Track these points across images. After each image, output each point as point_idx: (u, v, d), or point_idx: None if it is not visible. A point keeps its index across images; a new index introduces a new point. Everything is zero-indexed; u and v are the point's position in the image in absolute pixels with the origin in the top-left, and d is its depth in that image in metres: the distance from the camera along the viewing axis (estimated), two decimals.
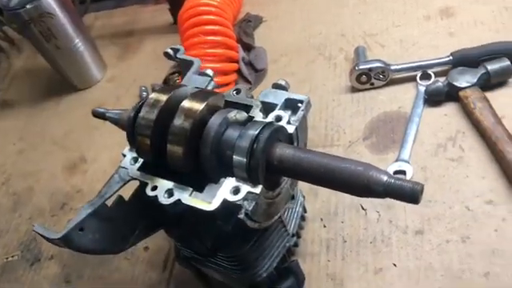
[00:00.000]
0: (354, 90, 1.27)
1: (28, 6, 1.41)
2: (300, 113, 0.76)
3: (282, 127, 0.72)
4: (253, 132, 0.68)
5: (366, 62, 1.25)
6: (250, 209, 0.67)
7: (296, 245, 0.99)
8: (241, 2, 1.63)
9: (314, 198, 1.08)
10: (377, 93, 1.25)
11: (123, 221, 0.83)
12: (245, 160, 0.68)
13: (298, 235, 0.98)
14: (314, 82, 1.34)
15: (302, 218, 1.02)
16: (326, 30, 1.48)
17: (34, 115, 1.66)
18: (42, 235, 0.76)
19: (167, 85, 1.49)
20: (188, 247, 0.90)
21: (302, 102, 0.78)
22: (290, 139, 0.74)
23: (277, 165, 0.68)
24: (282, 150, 0.68)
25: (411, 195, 0.61)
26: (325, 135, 1.20)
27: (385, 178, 0.62)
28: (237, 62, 1.43)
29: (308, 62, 1.41)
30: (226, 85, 1.37)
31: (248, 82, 1.41)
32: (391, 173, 1.00)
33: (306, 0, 1.62)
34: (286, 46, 1.49)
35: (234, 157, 0.69)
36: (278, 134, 0.71)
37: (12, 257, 1.25)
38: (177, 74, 1.47)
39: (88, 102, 1.61)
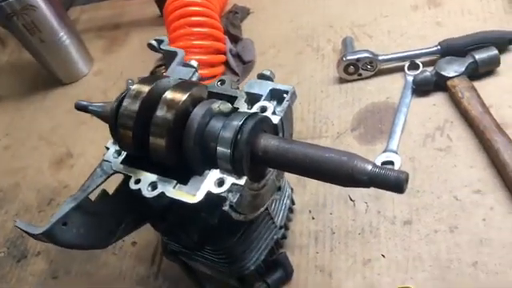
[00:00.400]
0: (342, 80, 1.26)
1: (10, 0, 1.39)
2: (285, 103, 0.75)
3: (267, 117, 0.71)
4: (237, 123, 0.67)
5: (353, 52, 1.24)
6: (235, 201, 0.67)
7: (284, 237, 0.98)
8: None
9: (303, 190, 1.07)
10: (365, 83, 1.24)
11: (108, 215, 0.82)
12: (229, 151, 0.67)
13: (286, 227, 0.98)
14: (302, 73, 1.33)
15: (290, 210, 1.01)
16: (314, 21, 1.47)
17: (19, 110, 1.64)
18: (24, 231, 0.74)
19: None
20: (175, 241, 0.89)
21: (287, 92, 0.76)
22: (274, 130, 0.73)
23: (261, 156, 0.67)
24: (267, 141, 0.68)
25: (396, 184, 0.60)
26: (313, 127, 1.19)
27: (369, 167, 0.61)
28: (224, 53, 1.41)
29: (296, 53, 1.40)
30: (214, 77, 1.35)
31: (235, 73, 1.40)
32: (379, 163, 1.00)
33: None
34: (274, 38, 1.48)
35: (218, 148, 0.68)
36: (262, 124, 0.70)
37: None
38: (164, 67, 1.45)
39: (74, 96, 1.58)
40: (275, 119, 0.73)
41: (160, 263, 1.07)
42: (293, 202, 1.02)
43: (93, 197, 0.79)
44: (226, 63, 1.41)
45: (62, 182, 1.34)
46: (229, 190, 0.67)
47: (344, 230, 1.00)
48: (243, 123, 0.67)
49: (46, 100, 1.63)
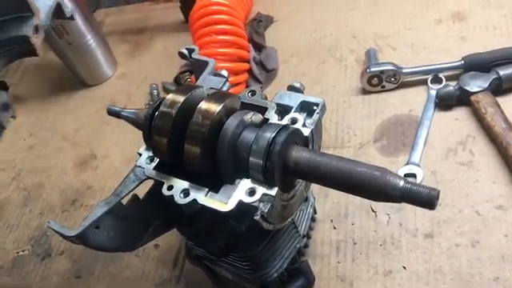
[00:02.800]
0: (364, 91, 1.28)
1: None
2: (315, 116, 0.77)
3: (298, 130, 0.73)
4: (269, 134, 0.69)
5: (377, 64, 1.25)
6: (266, 211, 0.68)
7: (306, 246, 1.00)
8: (252, 1, 1.64)
9: (324, 199, 1.09)
10: (387, 95, 1.25)
11: (137, 219, 0.84)
12: (261, 162, 0.68)
13: (308, 236, 0.99)
14: (325, 83, 1.35)
15: (312, 219, 1.02)
16: (337, 31, 1.49)
17: (44, 111, 1.67)
18: (57, 232, 0.77)
19: (178, 83, 1.50)
20: (200, 246, 0.91)
21: (317, 104, 0.78)
22: (305, 142, 0.75)
23: (293, 167, 0.69)
24: (298, 153, 0.69)
25: (428, 200, 0.61)
26: (335, 137, 1.20)
27: (401, 182, 0.62)
28: (248, 61, 1.43)
29: (319, 62, 1.42)
30: (237, 84, 1.37)
31: (259, 81, 1.42)
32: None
33: (316, 1, 1.62)
34: (297, 47, 1.50)
35: (251, 159, 0.69)
36: (294, 136, 0.71)
37: (23, 251, 1.26)
38: (188, 73, 1.48)
39: (98, 98, 1.61)
40: (306, 131, 0.74)
41: (182, 267, 1.09)
42: (315, 211, 1.04)
43: (123, 201, 0.81)
44: (250, 71, 1.43)
45: (85, 182, 1.37)
46: (260, 200, 0.68)
47: (366, 240, 1.01)
48: (276, 135, 0.69)
49: (70, 101, 1.66)
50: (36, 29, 0.83)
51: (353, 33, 1.45)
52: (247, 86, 1.42)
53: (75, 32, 1.52)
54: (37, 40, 0.82)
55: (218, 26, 1.40)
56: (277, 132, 0.69)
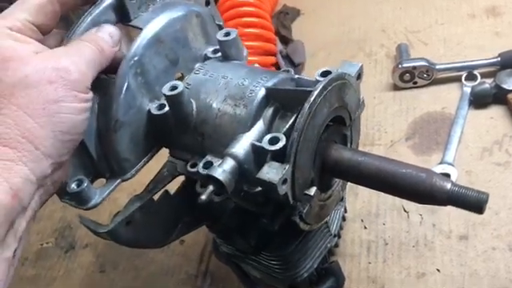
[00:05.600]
0: (396, 87, 1.24)
1: None
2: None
3: (338, 127, 0.71)
4: None
5: (409, 60, 1.22)
6: (305, 211, 0.66)
7: (337, 245, 0.97)
8: None
9: (355, 198, 1.06)
10: (419, 92, 1.22)
11: (168, 215, 0.82)
12: None
13: (338, 235, 0.97)
14: None
15: (343, 218, 1.00)
16: (366, 25, 1.45)
17: None
18: (88, 228, 0.76)
19: None
20: (230, 244, 0.89)
21: None
22: (344, 140, 0.72)
23: (333, 167, 0.67)
24: (339, 152, 0.67)
25: (476, 204, 0.59)
26: (365, 134, 1.17)
27: (448, 185, 0.60)
28: (274, 55, 1.41)
29: (347, 57, 1.39)
30: None
31: None
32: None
33: None
34: (324, 40, 1.47)
35: None
36: (333, 135, 0.69)
37: (47, 243, 1.26)
38: None
39: None
40: (345, 129, 0.72)
41: (208, 263, 1.08)
42: (345, 210, 1.01)
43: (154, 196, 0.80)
44: (276, 65, 1.41)
45: None
46: (298, 200, 0.66)
47: (397, 241, 0.98)
48: None
49: None
50: None
51: (382, 26, 1.42)
52: None
53: None
54: None
55: (245, 19, 1.37)
56: None
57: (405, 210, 1.02)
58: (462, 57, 1.23)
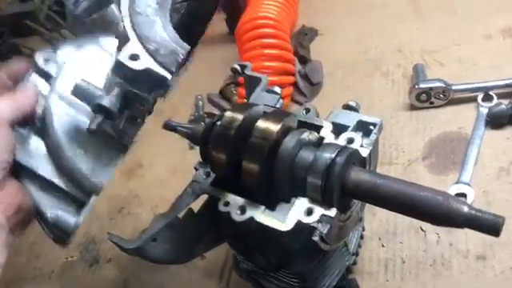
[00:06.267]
0: (412, 107, 1.27)
1: (94, 16, 1.45)
2: (373, 136, 0.77)
3: (357, 151, 0.73)
4: (328, 155, 0.69)
5: (426, 80, 1.24)
6: (325, 232, 0.68)
7: (354, 263, 1.00)
8: (297, 14, 1.65)
9: (372, 217, 1.08)
10: (436, 112, 1.24)
11: (191, 233, 0.85)
12: (320, 182, 0.69)
13: (356, 253, 0.99)
14: (371, 97, 1.34)
15: (361, 237, 1.02)
16: (383, 45, 1.48)
17: None
18: (116, 244, 0.79)
19: (223, 95, 1.51)
20: (250, 261, 0.92)
21: (374, 124, 0.78)
22: (363, 163, 0.75)
23: (352, 189, 0.69)
24: (358, 175, 0.69)
25: (493, 228, 0.61)
26: (383, 153, 1.20)
27: (465, 208, 0.62)
28: (293, 74, 1.44)
29: (364, 76, 1.42)
30: (282, 98, 1.38)
31: (303, 95, 1.43)
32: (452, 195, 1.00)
33: (361, 13, 1.62)
34: (342, 60, 1.50)
35: (309, 179, 0.70)
36: (353, 157, 0.72)
37: (71, 257, 1.30)
38: (233, 85, 1.50)
39: None
40: (364, 152, 0.75)
41: (229, 279, 1.10)
42: (363, 229, 1.03)
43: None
44: (295, 84, 1.44)
45: (132, 191, 1.40)
46: (318, 221, 0.69)
47: (415, 260, 1.00)
48: (336, 156, 0.69)
49: None
50: None
51: (399, 47, 1.45)
52: (292, 99, 1.43)
53: None
54: None
55: (265, 40, 1.41)
56: (337, 153, 0.69)
57: (422, 230, 1.04)
58: (478, 77, 1.25)
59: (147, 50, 0.80)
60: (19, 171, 0.78)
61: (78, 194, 0.81)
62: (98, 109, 0.76)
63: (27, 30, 1.98)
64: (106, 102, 0.76)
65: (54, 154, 0.79)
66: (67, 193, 0.80)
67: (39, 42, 2.02)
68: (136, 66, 0.78)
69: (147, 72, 0.78)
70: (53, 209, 0.77)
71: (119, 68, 0.78)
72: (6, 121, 0.73)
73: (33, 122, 0.80)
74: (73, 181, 0.80)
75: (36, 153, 0.79)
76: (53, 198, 0.79)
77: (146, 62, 0.78)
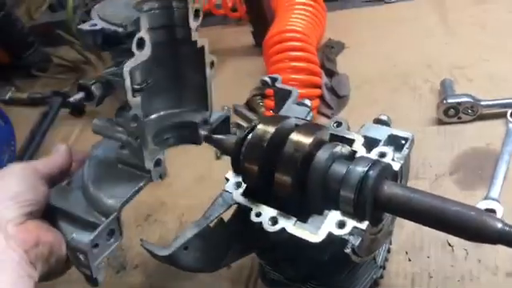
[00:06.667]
0: (440, 122, 1.27)
1: None
2: (405, 150, 0.77)
3: (390, 165, 0.74)
4: (362, 168, 0.70)
5: (454, 95, 1.24)
6: (357, 244, 0.69)
7: (381, 276, 0.99)
8: (324, 27, 1.66)
9: (400, 231, 1.08)
10: (464, 127, 1.24)
11: (221, 242, 0.87)
12: (352, 196, 0.69)
13: (383, 267, 0.99)
14: (398, 111, 1.34)
15: (388, 250, 1.02)
16: (411, 60, 1.49)
17: None
18: (149, 251, 0.80)
19: (250, 107, 1.53)
20: (278, 271, 0.93)
21: (406, 139, 0.79)
22: (395, 177, 0.76)
23: (385, 203, 0.70)
24: (391, 189, 0.70)
25: None
26: (410, 167, 1.19)
27: (499, 224, 0.62)
28: (319, 87, 1.45)
29: (391, 90, 1.42)
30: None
31: (330, 107, 1.44)
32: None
33: (388, 28, 1.63)
34: (369, 74, 1.51)
35: (342, 192, 0.71)
36: (385, 171, 0.72)
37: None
38: (259, 97, 1.51)
39: None
40: (396, 166, 0.75)
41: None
42: (390, 242, 1.04)
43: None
44: (321, 97, 1.45)
45: (158, 198, 1.42)
46: (350, 233, 0.70)
47: (442, 275, 1.00)
48: (368, 169, 0.70)
49: None
50: (205, 121, 0.95)
51: (427, 62, 1.45)
52: (319, 112, 1.44)
53: None
54: (203, 131, 0.95)
55: (292, 53, 1.43)
56: (369, 166, 0.70)
57: (449, 244, 1.03)
58: (507, 93, 1.25)
59: None
60: (54, 213, 0.86)
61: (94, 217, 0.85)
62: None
63: (58, 40, 2.03)
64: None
65: (85, 195, 0.87)
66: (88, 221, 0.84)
67: (70, 52, 2.08)
68: None
69: None
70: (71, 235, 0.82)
71: None
72: (38, 172, 0.85)
73: (68, 175, 0.92)
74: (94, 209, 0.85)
75: (71, 198, 0.87)
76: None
77: None
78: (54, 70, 2.11)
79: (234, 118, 1.56)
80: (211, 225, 0.84)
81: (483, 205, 1.06)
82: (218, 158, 1.43)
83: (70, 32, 1.94)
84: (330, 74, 1.52)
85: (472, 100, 1.21)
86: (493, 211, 1.05)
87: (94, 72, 2.05)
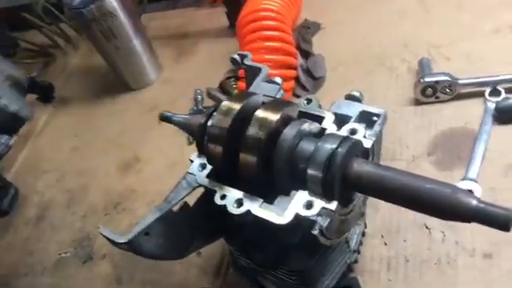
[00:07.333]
0: (417, 102, 1.23)
1: (91, 6, 1.43)
2: (377, 127, 0.73)
3: (360, 142, 0.70)
4: (330, 146, 0.66)
5: (432, 74, 1.20)
6: (325, 225, 0.65)
7: (356, 261, 0.96)
8: (300, 7, 1.61)
9: (375, 214, 1.04)
10: (441, 107, 1.20)
11: (186, 227, 0.82)
12: (321, 174, 0.65)
13: (358, 251, 0.96)
14: (375, 92, 1.30)
15: (363, 234, 0.98)
16: (387, 40, 1.44)
17: (88, 113, 1.68)
18: (107, 238, 0.75)
19: (223, 89, 1.48)
20: (248, 257, 0.88)
21: (378, 115, 0.75)
22: (366, 154, 0.71)
23: (355, 181, 0.65)
24: (361, 166, 0.66)
25: (503, 222, 0.57)
26: (386, 149, 1.16)
27: (474, 202, 0.59)
28: (295, 68, 1.41)
29: (368, 71, 1.38)
30: (284, 91, 1.35)
31: (305, 89, 1.39)
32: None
33: (365, 8, 1.58)
34: (345, 54, 1.46)
35: (309, 170, 0.66)
36: (355, 148, 0.68)
37: (65, 253, 1.27)
38: (233, 79, 1.46)
39: (143, 102, 1.62)
40: (367, 143, 0.71)
41: (225, 276, 1.07)
42: (365, 226, 1.00)
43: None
44: (297, 78, 1.41)
45: (128, 186, 1.37)
46: (318, 214, 0.66)
47: (419, 258, 0.96)
48: (337, 146, 0.65)
49: (114, 104, 1.67)
50: None
51: (404, 41, 1.41)
52: (294, 94, 1.39)
53: (123, 36, 1.53)
54: None
55: (266, 33, 1.37)
56: (338, 143, 0.66)
57: (426, 227, 1.00)
58: (485, 72, 1.21)
59: None
60: None
61: None
62: None
63: (25, 24, 1.95)
64: None
65: None
66: None
67: (37, 36, 2.00)
68: None
69: None
70: None
71: None
72: None
73: None
74: None
75: None
76: None
77: None
78: (22, 55, 2.03)
79: (208, 102, 1.51)
80: (174, 209, 0.80)
81: (461, 185, 1.02)
82: (190, 143, 1.38)
83: (35, 15, 1.86)
84: (306, 55, 1.47)
85: (450, 79, 1.17)
86: (470, 192, 1.01)
87: (62, 56, 1.98)
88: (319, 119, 0.77)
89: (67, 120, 1.70)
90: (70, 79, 1.88)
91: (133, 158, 1.44)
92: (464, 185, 1.02)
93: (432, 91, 1.19)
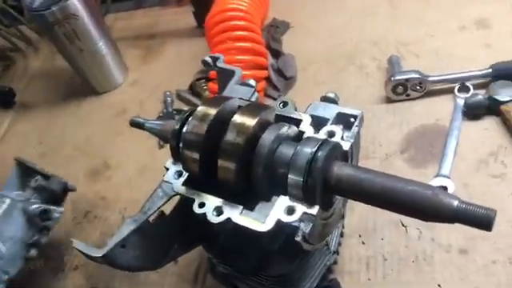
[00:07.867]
0: (388, 100, 1.24)
1: (53, 8, 1.37)
2: (355, 128, 0.73)
3: (339, 144, 0.69)
4: (310, 149, 0.65)
5: (402, 72, 1.21)
6: (308, 231, 0.64)
7: (335, 262, 0.96)
8: (268, 6, 1.60)
9: (351, 213, 1.04)
10: (412, 104, 1.21)
11: (163, 236, 0.80)
12: (301, 179, 0.64)
13: (337, 252, 0.95)
14: (346, 91, 1.30)
15: (341, 235, 0.98)
16: (357, 38, 1.45)
17: (53, 118, 1.63)
18: (82, 252, 0.72)
19: (193, 91, 1.46)
20: (228, 264, 0.87)
21: (355, 116, 0.74)
22: (345, 156, 0.71)
23: (335, 185, 0.65)
24: (341, 169, 0.65)
25: (485, 222, 0.58)
26: (360, 147, 1.16)
27: (455, 202, 0.59)
28: (266, 68, 1.39)
29: (338, 70, 1.38)
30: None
31: (277, 89, 1.38)
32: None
33: (333, 5, 1.59)
34: (315, 54, 1.46)
35: (290, 175, 0.65)
36: (335, 151, 0.67)
37: (35, 266, 1.22)
38: (204, 80, 1.44)
39: (110, 106, 1.57)
40: (346, 145, 0.70)
41: (203, 283, 1.05)
42: (343, 226, 1.00)
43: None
44: (268, 78, 1.40)
45: (98, 193, 1.33)
46: (300, 220, 0.65)
47: (396, 256, 0.97)
48: (317, 150, 0.64)
49: (80, 109, 1.62)
50: None
51: (373, 39, 1.42)
52: (265, 95, 1.38)
53: (87, 38, 1.48)
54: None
55: (236, 33, 1.36)
56: (318, 147, 0.65)
57: (403, 225, 1.01)
58: (453, 68, 1.23)
59: None
60: None
61: None
62: None
63: None
64: None
65: None
66: None
67: None
68: None
69: None
70: None
71: None
72: None
73: None
74: None
75: None
76: None
77: None
78: None
79: (178, 104, 1.48)
80: (151, 219, 0.77)
81: (435, 183, 1.04)
82: (161, 146, 1.35)
83: None
84: (276, 54, 1.46)
85: (420, 76, 1.19)
86: (445, 188, 1.03)
87: (23, 60, 1.91)
88: (296, 122, 0.76)
89: (30, 126, 1.64)
90: (32, 83, 1.82)
91: (102, 164, 1.40)
92: (438, 182, 1.03)
93: (403, 89, 1.20)
